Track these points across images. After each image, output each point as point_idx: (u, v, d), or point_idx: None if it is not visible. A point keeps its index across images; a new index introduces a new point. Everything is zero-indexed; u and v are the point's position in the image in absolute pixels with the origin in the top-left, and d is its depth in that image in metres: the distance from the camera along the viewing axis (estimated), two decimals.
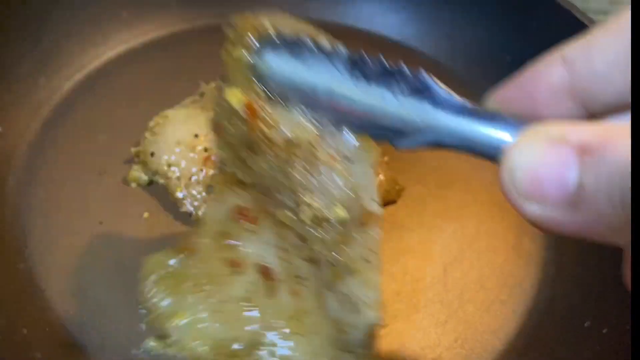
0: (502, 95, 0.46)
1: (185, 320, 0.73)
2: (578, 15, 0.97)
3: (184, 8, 1.17)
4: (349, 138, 0.55)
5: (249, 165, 0.64)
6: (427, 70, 1.15)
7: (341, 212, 0.59)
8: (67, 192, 0.91)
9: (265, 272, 0.71)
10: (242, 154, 0.63)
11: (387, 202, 0.91)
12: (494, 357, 0.77)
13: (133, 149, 0.92)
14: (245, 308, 0.72)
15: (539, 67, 0.45)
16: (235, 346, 0.71)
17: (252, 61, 0.54)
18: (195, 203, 0.86)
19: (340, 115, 0.51)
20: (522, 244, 0.89)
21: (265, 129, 0.57)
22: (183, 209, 0.87)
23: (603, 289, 0.78)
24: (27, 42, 1.02)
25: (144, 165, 0.90)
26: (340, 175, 0.58)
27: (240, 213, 0.73)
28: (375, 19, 1.19)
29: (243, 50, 0.55)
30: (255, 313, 0.71)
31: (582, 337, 0.75)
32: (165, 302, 0.75)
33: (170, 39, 1.15)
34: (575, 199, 0.31)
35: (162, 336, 0.74)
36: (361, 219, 0.60)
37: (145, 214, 0.89)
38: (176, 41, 1.15)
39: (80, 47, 1.09)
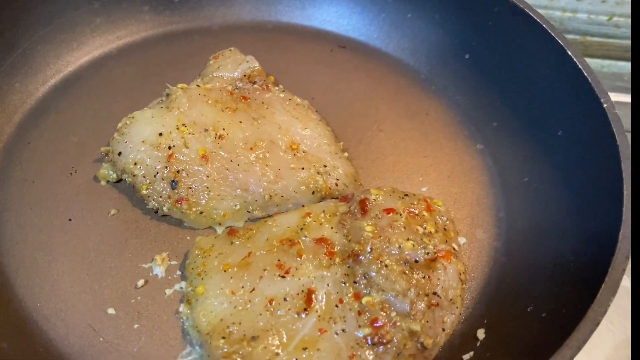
0: None
1: (203, 294, 0.79)
2: (532, 14, 1.00)
3: (155, 14, 1.21)
4: None
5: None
6: (390, 68, 1.15)
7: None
8: (38, 191, 0.94)
9: (309, 296, 0.77)
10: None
11: (345, 197, 0.95)
12: (443, 339, 0.80)
13: (103, 149, 0.96)
14: (267, 307, 0.76)
15: None
16: (231, 329, 0.75)
17: None
18: (160, 199, 0.90)
19: None
20: (476, 235, 0.93)
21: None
22: (150, 205, 0.91)
23: (545, 277, 0.82)
24: (3, 48, 1.06)
25: (113, 164, 0.94)
26: None
27: (324, 243, 0.82)
28: (341, 21, 1.23)
29: None
30: (270, 317, 0.76)
31: (525, 320, 0.78)
32: (196, 277, 0.82)
33: (142, 43, 1.19)
34: None
35: (189, 302, 0.81)
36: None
37: (113, 211, 0.93)
38: (148, 46, 1.19)
39: (54, 53, 1.13)
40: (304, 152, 0.96)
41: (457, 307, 0.80)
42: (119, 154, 0.92)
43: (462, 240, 0.91)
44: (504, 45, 1.05)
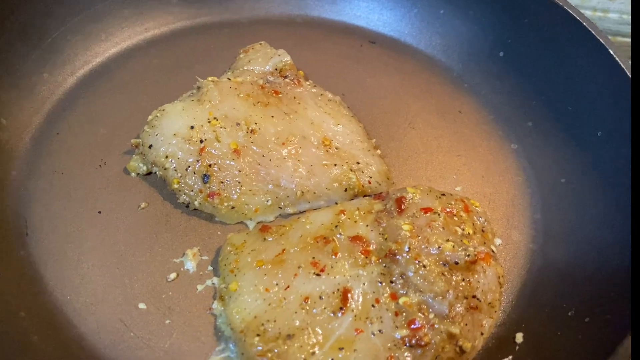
0: None
1: (236, 290, 0.78)
2: (570, 11, 0.98)
3: (184, 6, 1.20)
4: None
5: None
6: (421, 65, 1.13)
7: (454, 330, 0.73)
8: (67, 183, 0.93)
9: (345, 294, 0.75)
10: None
11: (379, 195, 0.93)
12: (481, 343, 0.79)
13: (133, 140, 0.94)
14: (303, 306, 0.75)
15: None
16: (265, 327, 0.73)
17: None
18: (192, 193, 0.88)
19: None
20: (511, 236, 0.91)
21: None
22: (180, 200, 0.89)
23: (586, 281, 0.80)
24: (32, 39, 1.05)
25: (143, 156, 0.93)
26: None
27: (359, 241, 0.80)
28: (372, 16, 1.21)
29: None
30: (306, 316, 0.74)
31: (566, 325, 0.76)
32: (229, 273, 0.80)
33: (170, 36, 1.18)
34: None
35: (222, 299, 0.79)
36: None
37: (143, 204, 0.91)
38: (176, 38, 1.18)
39: (83, 44, 1.12)
40: (336, 149, 0.95)
41: (495, 311, 0.78)
42: (150, 146, 0.90)
43: (497, 241, 0.89)
44: (540, 43, 1.03)
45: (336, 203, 0.91)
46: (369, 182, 0.93)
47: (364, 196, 0.93)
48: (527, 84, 1.06)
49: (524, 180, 0.98)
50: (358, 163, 0.94)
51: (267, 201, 0.89)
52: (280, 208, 0.91)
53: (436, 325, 0.73)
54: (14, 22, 1.03)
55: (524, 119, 1.04)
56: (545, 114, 1.02)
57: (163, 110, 0.93)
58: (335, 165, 0.92)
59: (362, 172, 0.93)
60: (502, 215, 0.93)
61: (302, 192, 0.90)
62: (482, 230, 0.84)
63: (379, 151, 0.99)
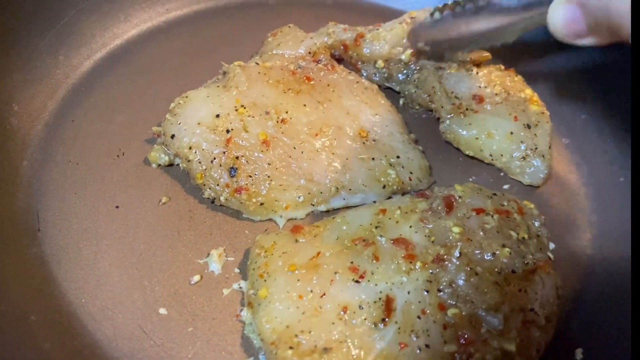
0: None
1: (266, 297, 0.70)
2: None
3: None
4: None
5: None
6: None
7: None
8: (83, 174, 0.87)
9: (388, 303, 0.68)
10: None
11: (422, 193, 0.85)
12: None
13: (154, 128, 0.87)
14: (340, 316, 0.67)
15: None
16: (299, 338, 0.66)
17: None
18: (218, 187, 0.81)
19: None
20: (565, 241, 0.83)
21: None
22: (205, 194, 0.82)
23: None
24: (46, 18, 0.98)
25: (165, 147, 0.86)
26: None
27: (403, 244, 0.72)
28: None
29: None
30: (344, 327, 0.67)
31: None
32: (258, 278, 0.72)
33: (193, 17, 1.11)
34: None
35: (251, 306, 0.71)
36: None
37: (164, 198, 0.84)
38: (199, 20, 1.11)
39: (101, 25, 1.05)
40: (374, 141, 0.87)
41: (552, 326, 0.70)
42: (172, 136, 0.83)
43: (550, 245, 0.81)
44: None
45: (374, 201, 0.83)
46: (410, 179, 0.85)
47: (403, 194, 0.85)
48: (580, 73, 0.97)
49: (577, 179, 0.90)
50: (398, 157, 0.86)
51: (299, 197, 0.82)
52: (313, 205, 0.83)
53: (489, 341, 0.65)
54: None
55: (577, 111, 0.96)
56: (601, 105, 0.94)
57: (186, 97, 0.86)
58: (373, 159, 0.85)
59: (402, 167, 0.85)
60: (555, 217, 0.85)
61: (337, 188, 0.83)
62: (537, 235, 0.76)
63: (419, 146, 0.91)
